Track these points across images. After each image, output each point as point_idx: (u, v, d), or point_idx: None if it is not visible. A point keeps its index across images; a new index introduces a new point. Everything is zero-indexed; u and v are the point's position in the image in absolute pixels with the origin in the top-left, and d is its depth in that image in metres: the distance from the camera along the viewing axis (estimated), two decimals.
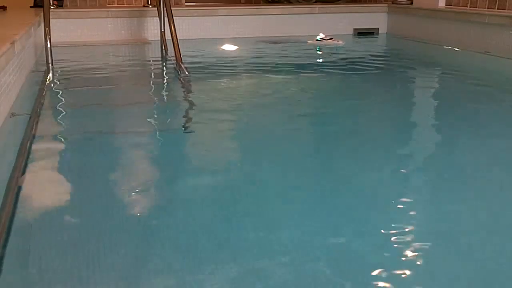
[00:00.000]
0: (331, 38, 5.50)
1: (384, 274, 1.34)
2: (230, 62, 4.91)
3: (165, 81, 4.21)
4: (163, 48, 5.15)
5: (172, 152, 2.40)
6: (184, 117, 2.98)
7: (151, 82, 4.08)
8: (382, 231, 1.57)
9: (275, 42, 5.88)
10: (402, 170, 2.13)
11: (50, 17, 4.61)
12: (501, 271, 1.40)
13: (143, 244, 1.51)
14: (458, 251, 1.50)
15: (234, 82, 3.92)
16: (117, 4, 6.48)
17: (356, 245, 1.49)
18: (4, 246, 1.48)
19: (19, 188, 1.86)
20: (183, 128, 2.75)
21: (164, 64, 4.88)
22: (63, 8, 6.00)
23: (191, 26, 5.94)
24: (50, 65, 4.30)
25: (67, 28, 5.58)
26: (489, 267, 1.41)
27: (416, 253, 1.47)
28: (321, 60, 5.00)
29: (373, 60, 5.04)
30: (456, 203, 1.80)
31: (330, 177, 2.06)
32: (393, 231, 1.57)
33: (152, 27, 5.80)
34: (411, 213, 1.74)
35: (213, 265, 1.37)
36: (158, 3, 5.25)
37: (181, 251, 1.46)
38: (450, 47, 5.36)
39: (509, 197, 1.87)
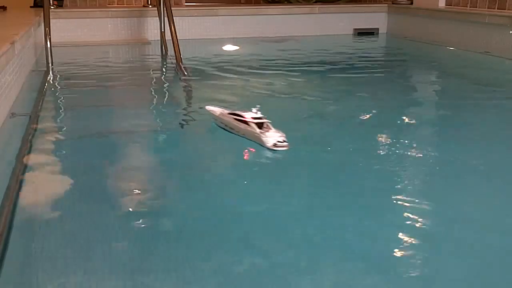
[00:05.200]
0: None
1: None
2: (230, 62, 4.90)
3: (165, 81, 4.20)
4: (163, 48, 5.15)
5: (171, 151, 2.40)
6: (184, 117, 2.98)
7: (151, 82, 4.08)
8: None
9: (276, 42, 5.89)
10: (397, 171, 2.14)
11: (50, 17, 4.62)
12: None
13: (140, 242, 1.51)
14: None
15: (234, 82, 3.91)
16: (117, 4, 6.48)
17: None
18: (5, 245, 1.48)
19: (20, 187, 1.86)
20: (182, 128, 2.75)
21: (164, 64, 4.88)
22: (63, 8, 6.00)
23: (191, 26, 5.94)
24: (50, 65, 4.30)
25: (67, 28, 5.58)
26: None
27: None
28: (321, 60, 5.00)
29: (373, 60, 5.04)
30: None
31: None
32: None
33: (152, 27, 5.80)
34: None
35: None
36: (158, 3, 5.25)
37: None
38: (450, 47, 5.36)
39: None
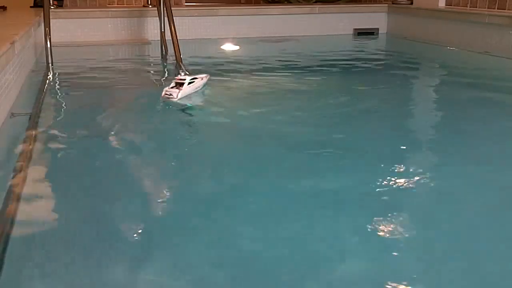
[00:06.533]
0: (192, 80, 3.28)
1: None
2: (230, 62, 4.91)
3: (165, 81, 4.20)
4: (163, 48, 5.15)
5: (171, 152, 2.40)
6: (183, 117, 2.98)
7: (151, 82, 4.08)
8: None
9: (276, 42, 5.89)
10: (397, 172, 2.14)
11: (50, 17, 4.62)
12: None
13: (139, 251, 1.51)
14: None
15: (234, 82, 3.91)
16: (117, 4, 6.48)
17: None
18: (5, 246, 1.48)
19: (20, 188, 1.86)
20: (183, 128, 2.75)
21: (164, 64, 4.88)
22: (63, 8, 6.00)
23: (191, 26, 5.94)
24: (50, 65, 4.30)
25: (67, 28, 5.58)
26: None
27: None
28: (321, 60, 5.00)
29: (373, 60, 5.04)
30: None
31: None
32: None
33: (152, 27, 5.80)
34: None
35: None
36: (158, 3, 5.25)
37: None
38: (450, 47, 5.36)
39: None
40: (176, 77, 3.19)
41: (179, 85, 3.10)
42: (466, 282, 1.35)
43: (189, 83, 3.17)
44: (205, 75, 3.52)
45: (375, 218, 1.65)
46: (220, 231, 1.60)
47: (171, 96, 3.00)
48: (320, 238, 1.55)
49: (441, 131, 2.80)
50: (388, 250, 1.49)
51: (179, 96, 3.03)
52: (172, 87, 3.09)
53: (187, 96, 3.15)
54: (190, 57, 4.81)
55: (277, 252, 1.46)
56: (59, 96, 3.47)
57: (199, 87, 3.32)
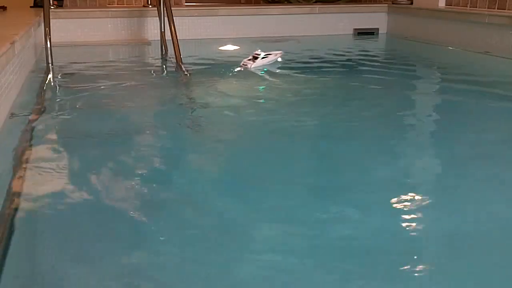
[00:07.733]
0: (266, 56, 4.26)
1: None
2: (230, 62, 4.90)
3: (165, 81, 4.20)
4: (163, 48, 5.15)
5: (172, 153, 2.40)
6: (183, 117, 2.98)
7: (151, 83, 4.08)
8: None
9: (276, 42, 5.88)
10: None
11: (50, 17, 4.62)
12: None
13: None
14: None
15: (234, 82, 3.92)
16: (117, 4, 6.48)
17: None
18: (7, 246, 1.48)
19: (20, 188, 1.86)
20: (183, 128, 2.75)
21: (164, 64, 4.88)
22: (63, 8, 6.00)
23: (191, 26, 5.94)
24: (50, 65, 4.30)
25: (67, 28, 5.58)
26: None
27: None
28: (321, 60, 4.99)
29: (373, 60, 5.04)
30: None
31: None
32: None
33: (152, 27, 5.81)
34: None
35: None
36: (158, 3, 5.25)
37: None
38: (450, 47, 5.36)
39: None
40: (254, 52, 4.10)
41: (254, 58, 4.04)
42: None
43: (263, 57, 4.09)
44: (280, 51, 4.39)
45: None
46: None
47: (246, 66, 3.96)
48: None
49: (441, 130, 2.80)
50: None
51: (252, 67, 3.97)
52: (249, 59, 4.03)
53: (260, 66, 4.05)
54: (190, 57, 4.81)
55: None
56: (59, 96, 3.47)
57: (271, 61, 4.21)
